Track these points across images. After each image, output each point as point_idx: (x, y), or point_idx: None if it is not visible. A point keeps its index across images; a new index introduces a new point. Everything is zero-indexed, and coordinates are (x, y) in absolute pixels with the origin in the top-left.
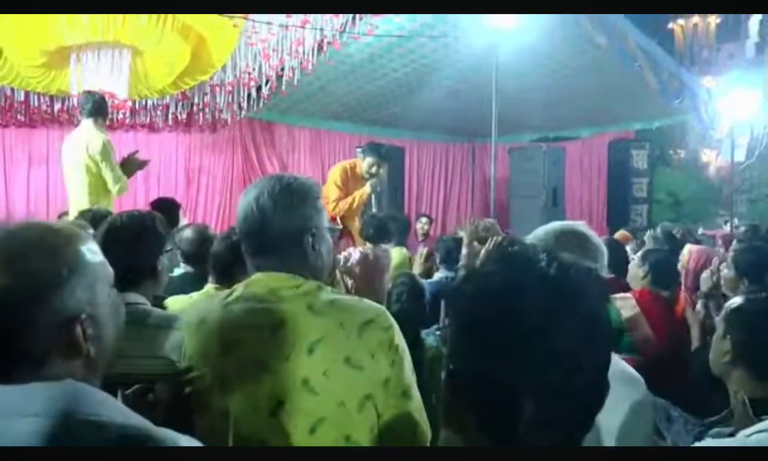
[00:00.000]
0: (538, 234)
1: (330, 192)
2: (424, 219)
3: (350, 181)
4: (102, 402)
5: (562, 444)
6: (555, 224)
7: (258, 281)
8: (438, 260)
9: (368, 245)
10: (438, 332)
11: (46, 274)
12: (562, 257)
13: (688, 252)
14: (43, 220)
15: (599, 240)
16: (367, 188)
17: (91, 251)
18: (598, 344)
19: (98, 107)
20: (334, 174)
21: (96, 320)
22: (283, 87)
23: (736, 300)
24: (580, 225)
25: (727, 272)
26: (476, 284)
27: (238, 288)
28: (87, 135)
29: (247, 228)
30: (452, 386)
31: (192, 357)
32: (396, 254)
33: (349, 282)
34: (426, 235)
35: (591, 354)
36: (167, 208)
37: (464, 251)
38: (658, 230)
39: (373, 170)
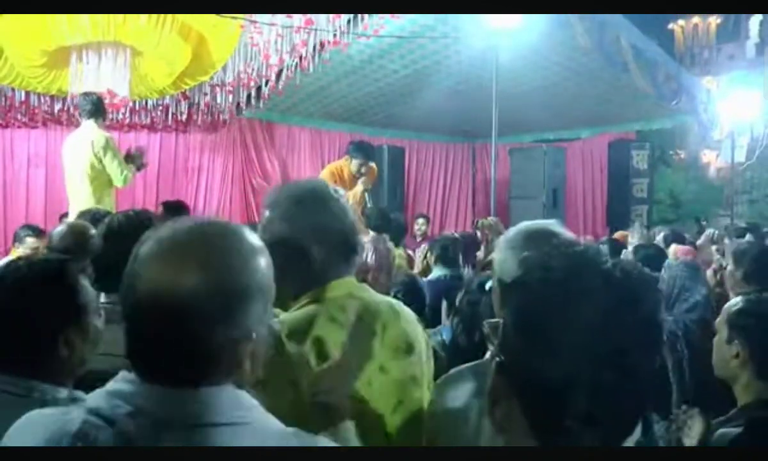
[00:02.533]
0: (508, 235)
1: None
2: (421, 220)
3: (339, 184)
4: (257, 408)
5: (606, 444)
6: (526, 224)
7: (344, 286)
8: (433, 260)
9: (371, 234)
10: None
11: (235, 290)
12: (624, 262)
13: (674, 251)
14: (229, 222)
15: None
16: (359, 187)
17: (269, 266)
18: (653, 348)
19: (97, 108)
20: (323, 179)
21: (259, 339)
22: (280, 87)
23: (737, 303)
24: (552, 224)
25: (733, 269)
26: (538, 278)
27: (336, 296)
28: (89, 135)
29: (350, 230)
30: (501, 380)
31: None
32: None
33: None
34: (424, 235)
35: (645, 357)
36: (176, 209)
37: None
38: (667, 231)
39: (363, 170)
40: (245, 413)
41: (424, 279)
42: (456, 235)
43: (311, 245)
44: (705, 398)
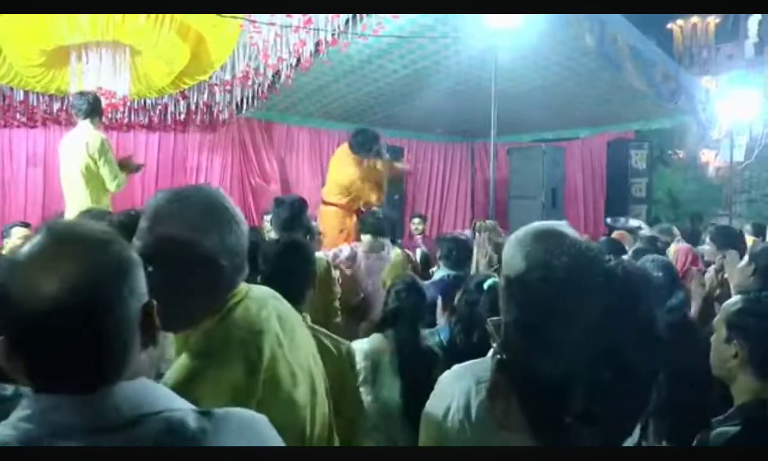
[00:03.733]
0: (518, 234)
1: (363, 189)
2: (417, 219)
3: (377, 181)
4: (172, 396)
5: (605, 443)
6: (535, 224)
7: (240, 293)
8: (437, 258)
9: (367, 237)
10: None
11: (124, 257)
12: (626, 261)
13: (674, 251)
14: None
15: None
16: (402, 165)
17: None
18: (653, 347)
19: (93, 107)
20: (353, 170)
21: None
22: (279, 86)
23: (735, 302)
24: (562, 225)
25: (745, 264)
26: (539, 277)
27: (259, 296)
28: (85, 135)
29: (246, 237)
30: (501, 378)
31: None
32: (393, 254)
33: (336, 274)
34: (422, 234)
35: (646, 356)
36: None
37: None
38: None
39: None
40: (170, 401)
41: (432, 280)
42: (458, 235)
43: (220, 257)
44: (678, 400)
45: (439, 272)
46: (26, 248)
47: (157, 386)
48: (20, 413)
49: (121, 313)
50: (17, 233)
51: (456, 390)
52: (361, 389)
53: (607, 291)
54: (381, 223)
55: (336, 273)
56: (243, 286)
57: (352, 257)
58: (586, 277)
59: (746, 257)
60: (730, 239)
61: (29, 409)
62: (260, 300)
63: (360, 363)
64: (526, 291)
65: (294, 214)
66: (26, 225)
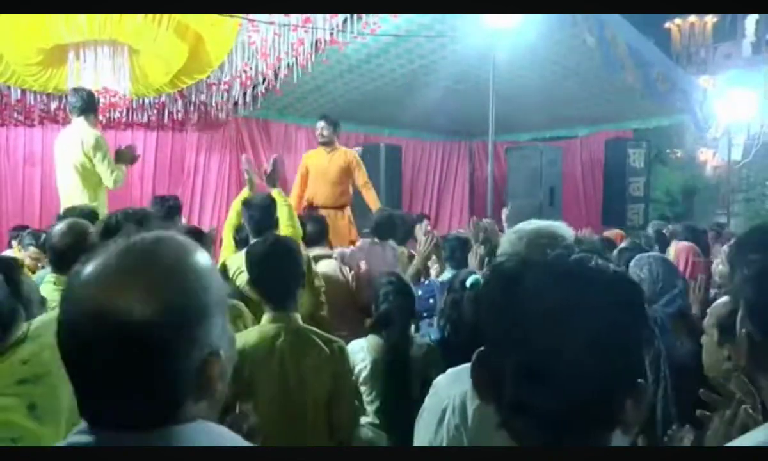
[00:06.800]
0: (510, 234)
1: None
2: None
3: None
4: (233, 440)
5: (555, 441)
6: (524, 224)
7: None
8: (444, 259)
9: (375, 240)
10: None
11: (196, 304)
12: (599, 262)
13: (675, 250)
14: (173, 235)
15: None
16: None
17: (221, 280)
18: (609, 350)
19: (88, 104)
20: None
21: (225, 356)
22: (278, 85)
23: (725, 304)
24: (553, 225)
25: (722, 267)
26: (502, 270)
27: None
28: (79, 132)
29: None
30: (480, 370)
31: None
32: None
33: (350, 274)
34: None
35: (598, 357)
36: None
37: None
38: (650, 229)
39: (325, 132)
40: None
41: (441, 279)
42: (461, 234)
43: None
44: (680, 390)
45: (446, 272)
46: (99, 266)
47: (222, 430)
48: (71, 439)
49: (194, 355)
50: (32, 254)
51: (452, 393)
52: (361, 388)
53: (561, 286)
54: (390, 220)
55: (346, 272)
56: (22, 329)
57: (374, 252)
58: (543, 270)
59: (724, 259)
60: (694, 237)
61: (82, 438)
62: (39, 338)
63: (358, 363)
64: (492, 287)
65: (265, 214)
66: (39, 242)
